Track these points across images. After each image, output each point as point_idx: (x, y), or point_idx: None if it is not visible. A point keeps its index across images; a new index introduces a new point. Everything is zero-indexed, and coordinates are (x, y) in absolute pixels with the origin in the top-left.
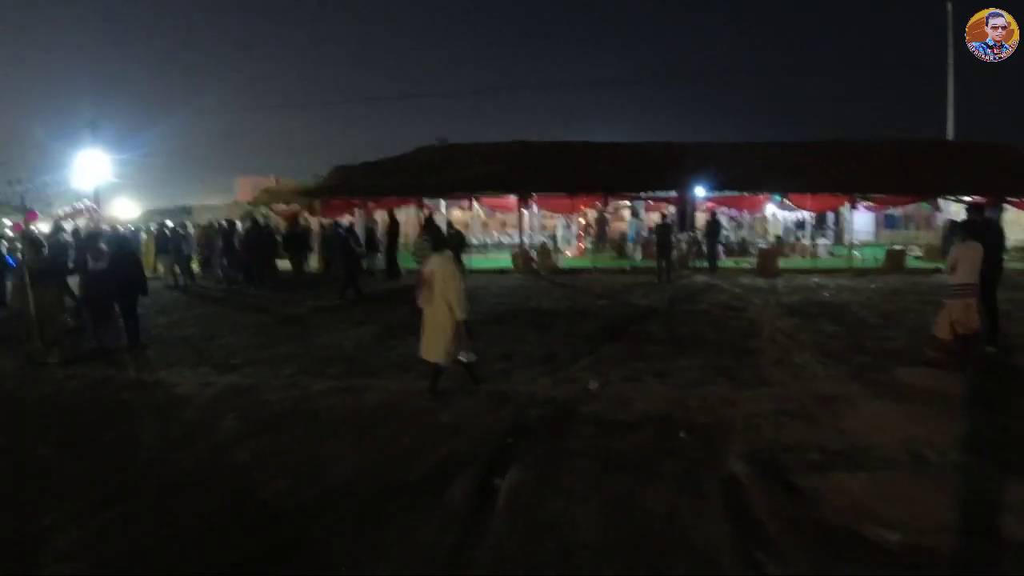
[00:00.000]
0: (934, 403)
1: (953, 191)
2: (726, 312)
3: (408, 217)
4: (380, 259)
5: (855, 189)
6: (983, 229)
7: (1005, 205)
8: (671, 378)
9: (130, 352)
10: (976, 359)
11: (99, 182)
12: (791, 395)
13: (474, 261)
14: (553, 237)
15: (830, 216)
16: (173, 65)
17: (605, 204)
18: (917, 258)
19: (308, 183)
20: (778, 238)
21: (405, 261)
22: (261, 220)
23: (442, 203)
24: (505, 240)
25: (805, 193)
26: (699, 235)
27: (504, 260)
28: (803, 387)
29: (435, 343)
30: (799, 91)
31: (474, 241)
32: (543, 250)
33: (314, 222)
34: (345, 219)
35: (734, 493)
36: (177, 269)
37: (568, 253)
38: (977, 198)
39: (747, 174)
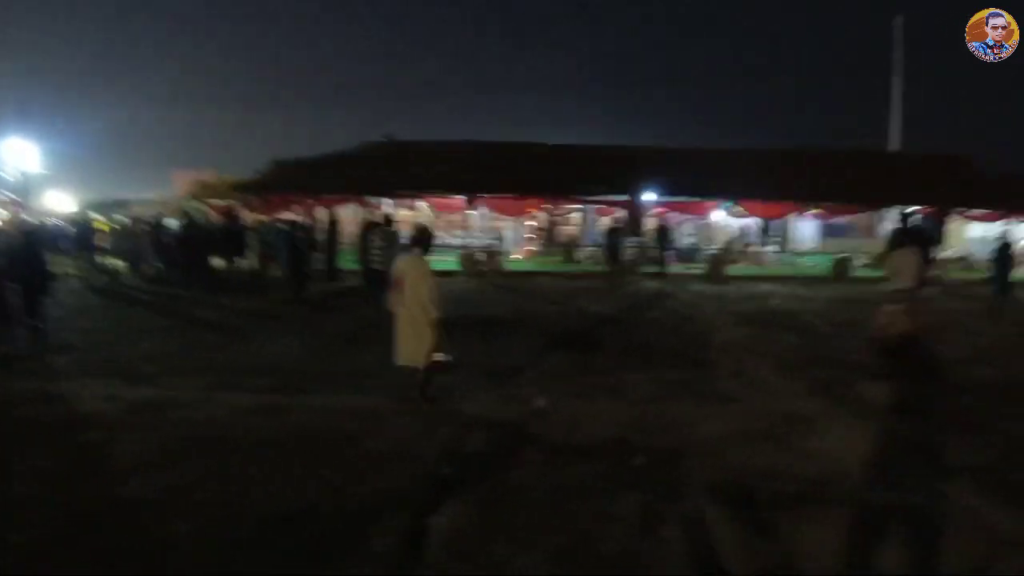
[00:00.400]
0: (902, 420)
1: (900, 202)
2: (679, 320)
3: (351, 217)
4: (319, 260)
5: (806, 198)
6: (916, 236)
7: (953, 215)
8: (625, 394)
9: (32, 359)
10: (914, 363)
11: (25, 171)
12: (754, 412)
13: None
14: (500, 239)
15: (775, 224)
16: (108, 52)
17: (556, 207)
18: (865, 266)
19: (245, 179)
20: (727, 245)
21: (347, 263)
22: (197, 216)
23: (387, 202)
24: (452, 242)
25: (757, 200)
26: (650, 240)
27: (450, 262)
28: (765, 403)
29: (411, 347)
30: (750, 100)
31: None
32: (491, 253)
33: (251, 219)
34: (285, 216)
35: (700, 534)
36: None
37: (518, 256)
38: (924, 208)
39: (699, 179)
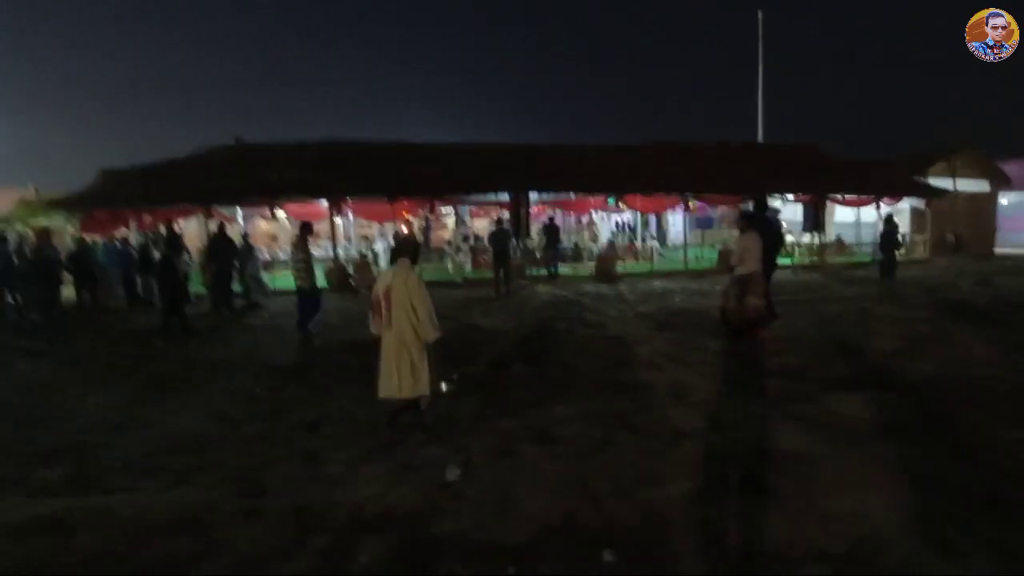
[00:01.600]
0: (900, 447)
1: (771, 190)
2: (587, 330)
3: (194, 230)
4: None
5: (686, 189)
6: (761, 223)
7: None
8: (557, 441)
9: None
10: (759, 339)
11: None
12: (724, 452)
13: (277, 280)
14: (372, 249)
15: (652, 219)
16: None
17: (431, 209)
18: None
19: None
20: (611, 242)
21: (195, 284)
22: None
23: (239, 212)
24: (318, 253)
25: (640, 194)
26: (536, 241)
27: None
28: (730, 436)
29: (402, 376)
30: (624, 94)
31: (281, 256)
32: (361, 264)
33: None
34: (120, 233)
35: None
36: None
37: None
38: (801, 196)
39: (580, 176)
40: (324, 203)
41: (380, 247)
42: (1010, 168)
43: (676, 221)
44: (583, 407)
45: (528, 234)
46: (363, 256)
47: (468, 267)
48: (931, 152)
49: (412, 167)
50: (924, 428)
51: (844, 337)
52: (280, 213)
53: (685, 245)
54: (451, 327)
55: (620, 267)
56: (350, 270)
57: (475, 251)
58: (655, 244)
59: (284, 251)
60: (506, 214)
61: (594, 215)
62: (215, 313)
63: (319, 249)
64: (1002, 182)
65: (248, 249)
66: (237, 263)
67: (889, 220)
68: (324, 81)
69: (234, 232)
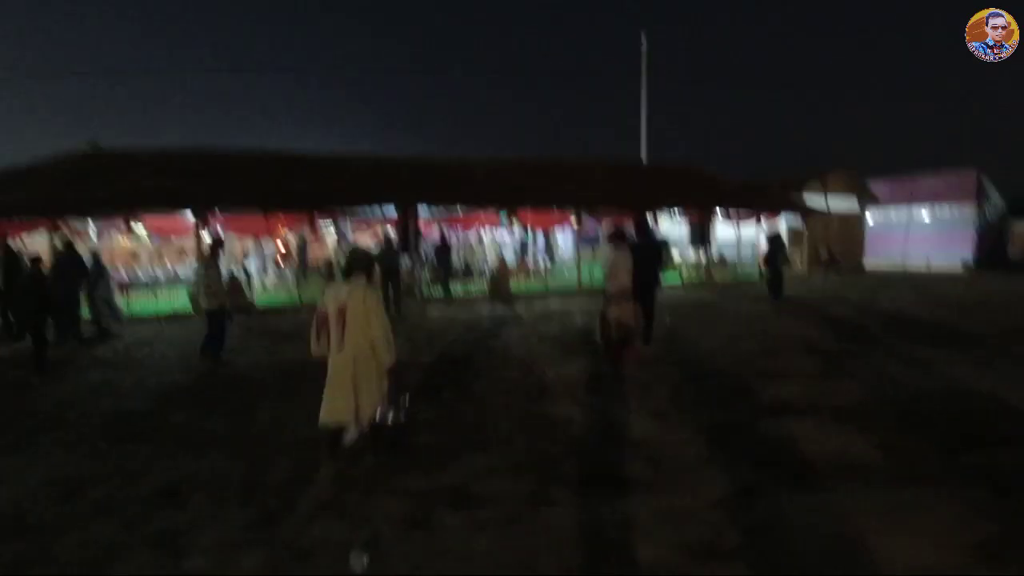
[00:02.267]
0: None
1: (650, 208)
2: (491, 358)
3: (41, 247)
4: None
5: (580, 205)
6: (644, 241)
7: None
8: (480, 502)
9: None
10: (633, 357)
11: None
12: (705, 517)
13: (133, 304)
14: (245, 268)
15: (539, 236)
16: None
17: (312, 223)
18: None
19: None
20: (501, 259)
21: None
22: None
23: (91, 226)
24: (183, 274)
25: (534, 209)
26: (426, 259)
27: (181, 301)
28: (705, 494)
29: (349, 399)
30: (510, 109)
31: (140, 277)
32: (234, 285)
33: None
34: None
35: None
36: None
37: (268, 285)
38: (688, 213)
39: (472, 191)
40: (189, 216)
41: (254, 266)
42: (878, 187)
43: (564, 238)
44: (504, 454)
45: (417, 250)
46: (234, 277)
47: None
48: (806, 171)
49: (289, 178)
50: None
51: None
52: (139, 228)
53: (579, 262)
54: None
55: (514, 285)
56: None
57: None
58: (545, 261)
59: (146, 271)
60: (390, 229)
61: (482, 232)
62: (60, 343)
63: (184, 269)
64: (870, 200)
65: (99, 269)
66: (86, 285)
67: (777, 238)
68: (186, 87)
69: (85, 249)
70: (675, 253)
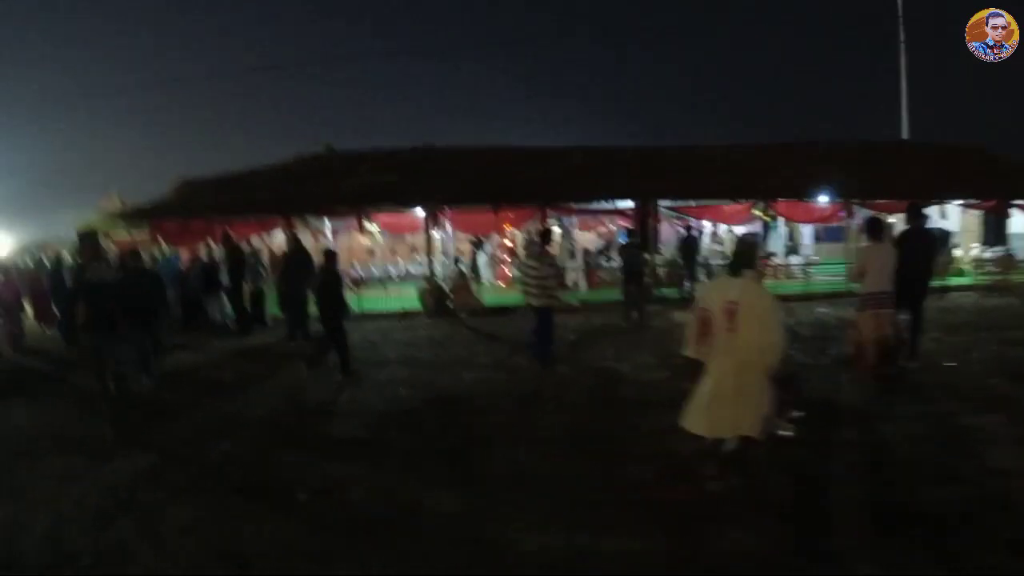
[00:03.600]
0: None
1: (940, 194)
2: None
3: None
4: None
5: (854, 195)
6: (918, 234)
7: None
8: None
9: None
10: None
11: None
12: None
13: (364, 301)
14: (473, 264)
15: (782, 230)
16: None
17: (543, 218)
18: None
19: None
20: (770, 254)
21: (272, 307)
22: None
23: (327, 224)
24: (414, 270)
25: (789, 200)
26: (671, 256)
27: (409, 297)
28: None
29: (736, 410)
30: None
31: (374, 272)
32: (460, 282)
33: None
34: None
35: None
36: None
37: (500, 283)
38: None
39: (713, 180)
40: (419, 213)
41: (482, 261)
42: None
43: (806, 232)
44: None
45: (657, 249)
46: (462, 274)
47: (583, 288)
48: None
49: (517, 172)
50: None
51: None
52: (372, 226)
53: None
54: (578, 373)
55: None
56: (446, 289)
57: (590, 268)
58: (799, 259)
59: (380, 267)
60: (613, 226)
61: (717, 227)
62: (289, 340)
63: (415, 266)
64: None
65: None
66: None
67: None
68: (410, 85)
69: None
70: (957, 250)
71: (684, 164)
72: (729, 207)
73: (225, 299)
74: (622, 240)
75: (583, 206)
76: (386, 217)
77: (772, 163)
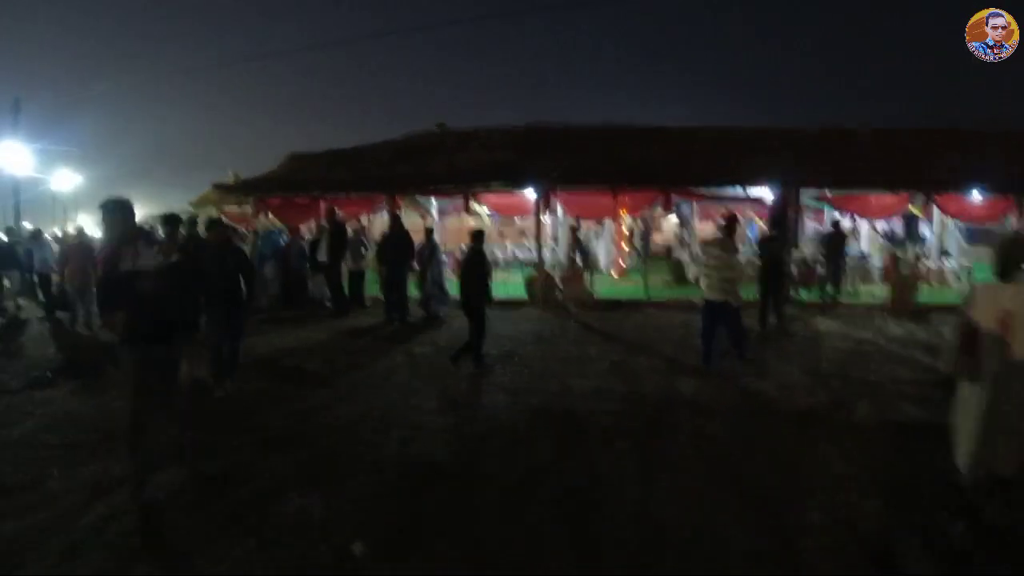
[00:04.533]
0: None
1: None
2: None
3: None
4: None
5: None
6: None
7: None
8: None
9: None
10: None
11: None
12: None
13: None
14: (585, 251)
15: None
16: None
17: (665, 204)
18: None
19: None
20: (900, 256)
21: (371, 286)
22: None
23: (433, 204)
24: (521, 255)
25: (954, 192)
26: (814, 253)
27: (516, 285)
28: None
29: (1012, 438)
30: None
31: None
32: (571, 273)
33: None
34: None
35: None
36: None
37: (613, 274)
38: None
39: (864, 168)
40: (530, 195)
41: (601, 249)
42: None
43: (958, 232)
44: None
45: (797, 244)
46: (574, 263)
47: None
48: None
49: (637, 152)
50: None
51: None
52: (480, 208)
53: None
54: (708, 386)
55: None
56: (557, 279)
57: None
58: (951, 263)
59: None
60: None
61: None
62: (391, 320)
63: (527, 250)
64: None
65: (432, 248)
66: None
67: None
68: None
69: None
70: None
71: (830, 147)
72: (877, 199)
73: (323, 278)
74: (751, 234)
75: (713, 191)
76: (495, 198)
77: (935, 150)
